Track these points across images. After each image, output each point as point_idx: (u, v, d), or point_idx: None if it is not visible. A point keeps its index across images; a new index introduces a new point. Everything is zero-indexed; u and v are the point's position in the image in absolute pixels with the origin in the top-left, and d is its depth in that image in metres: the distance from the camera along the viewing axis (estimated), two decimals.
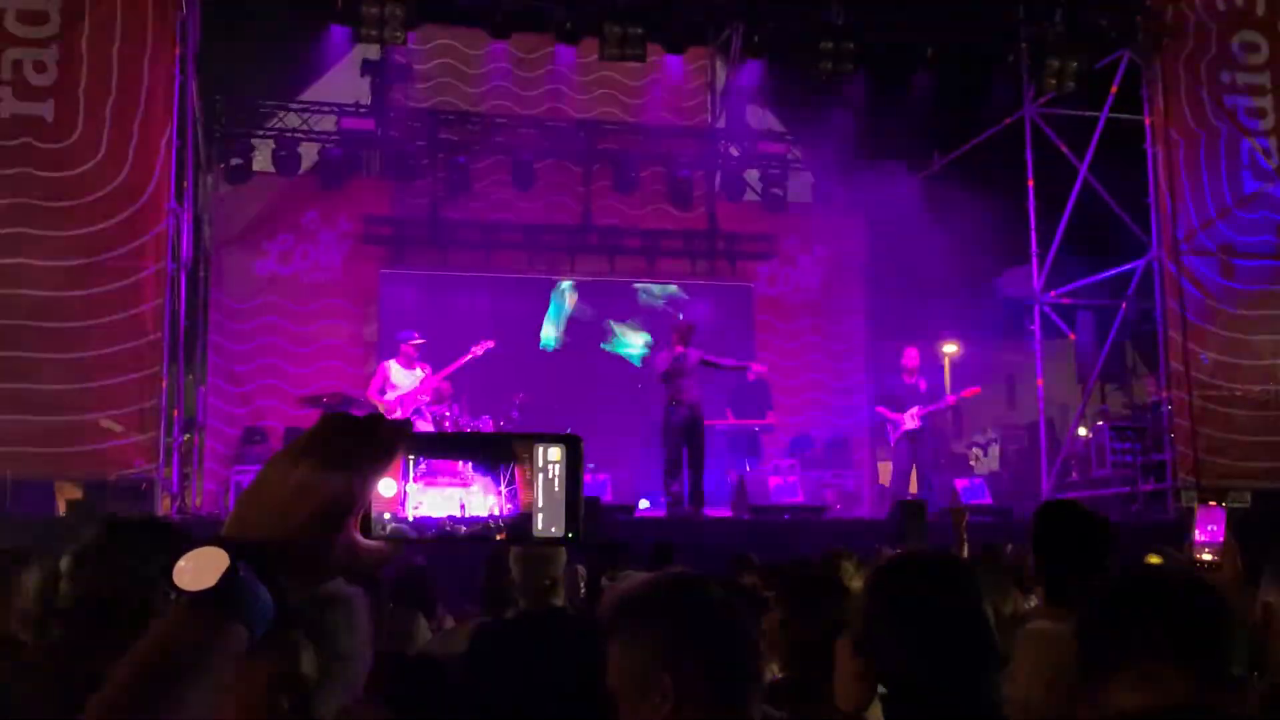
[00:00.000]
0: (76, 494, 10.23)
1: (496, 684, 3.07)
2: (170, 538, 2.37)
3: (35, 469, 9.85)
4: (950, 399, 13.15)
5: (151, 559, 2.17)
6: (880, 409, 12.52)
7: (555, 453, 1.08)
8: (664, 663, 1.86)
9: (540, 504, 1.07)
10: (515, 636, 3.45)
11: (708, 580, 2.03)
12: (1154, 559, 7.06)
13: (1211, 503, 4.47)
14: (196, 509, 12.12)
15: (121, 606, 2.19)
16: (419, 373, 11.51)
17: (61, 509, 10.06)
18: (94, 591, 2.30)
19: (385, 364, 11.78)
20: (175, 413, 10.80)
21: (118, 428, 9.98)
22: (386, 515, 1.04)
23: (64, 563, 2.38)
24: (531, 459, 1.08)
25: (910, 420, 12.03)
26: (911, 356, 12.45)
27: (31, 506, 9.72)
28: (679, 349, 11.84)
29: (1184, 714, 1.77)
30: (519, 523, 1.07)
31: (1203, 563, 3.97)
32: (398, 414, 11.32)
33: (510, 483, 1.06)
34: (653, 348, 13.67)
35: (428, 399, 11.61)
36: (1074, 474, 13.94)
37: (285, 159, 14.09)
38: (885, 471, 14.07)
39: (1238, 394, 11.84)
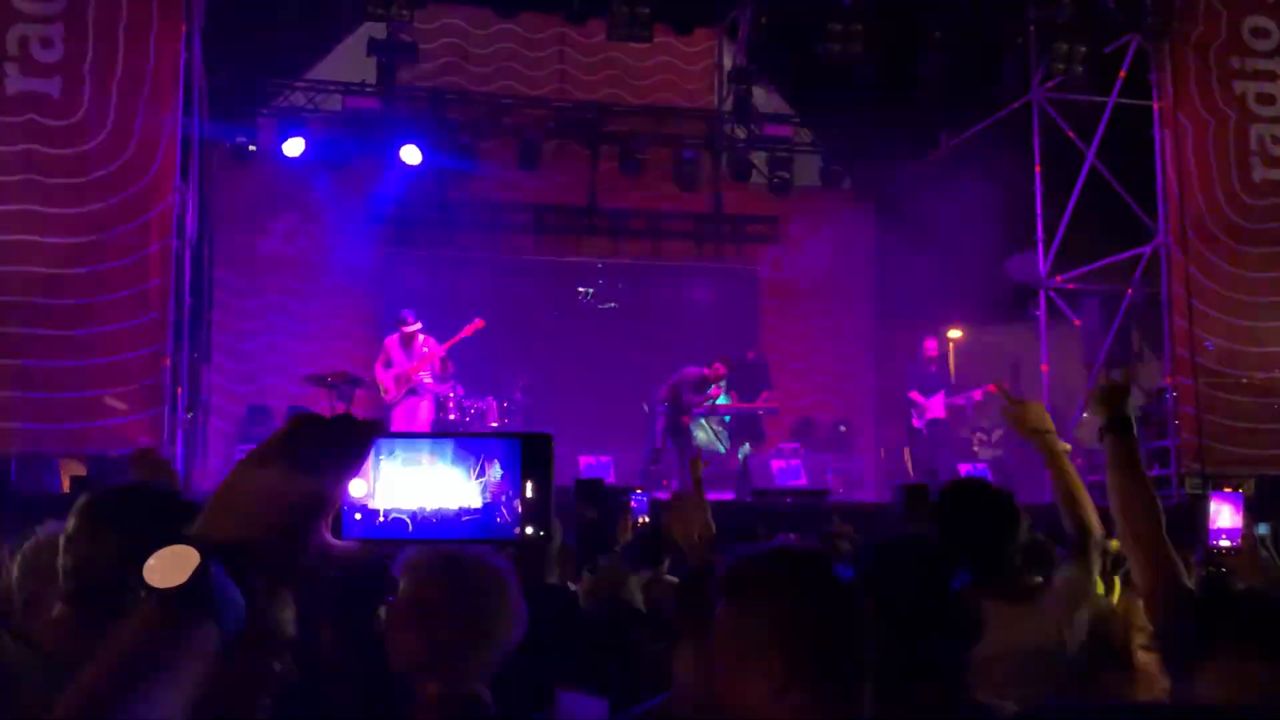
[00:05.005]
0: (81, 470, 10.25)
1: None
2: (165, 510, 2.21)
3: (39, 445, 9.87)
4: (976, 394, 13.33)
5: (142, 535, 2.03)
6: (914, 395, 12.96)
7: (526, 451, 1.07)
8: (777, 642, 1.79)
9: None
10: None
11: (830, 558, 1.94)
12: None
13: (1226, 488, 4.34)
14: (199, 487, 12.15)
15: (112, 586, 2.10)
16: (422, 350, 11.55)
17: (66, 485, 10.09)
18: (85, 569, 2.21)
19: (387, 340, 11.83)
20: (179, 390, 10.79)
21: (122, 405, 9.98)
22: (357, 515, 1.04)
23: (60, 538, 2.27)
24: (502, 458, 1.07)
25: (937, 407, 12.23)
26: (932, 346, 13.06)
27: (35, 483, 9.75)
28: None
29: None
30: (489, 522, 1.06)
31: (1221, 550, 3.88)
32: (390, 394, 11.43)
33: (480, 476, 1.06)
34: None
35: (428, 378, 11.63)
36: (1078, 459, 13.91)
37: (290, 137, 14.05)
38: (907, 459, 14.13)
39: (1243, 381, 11.80)
